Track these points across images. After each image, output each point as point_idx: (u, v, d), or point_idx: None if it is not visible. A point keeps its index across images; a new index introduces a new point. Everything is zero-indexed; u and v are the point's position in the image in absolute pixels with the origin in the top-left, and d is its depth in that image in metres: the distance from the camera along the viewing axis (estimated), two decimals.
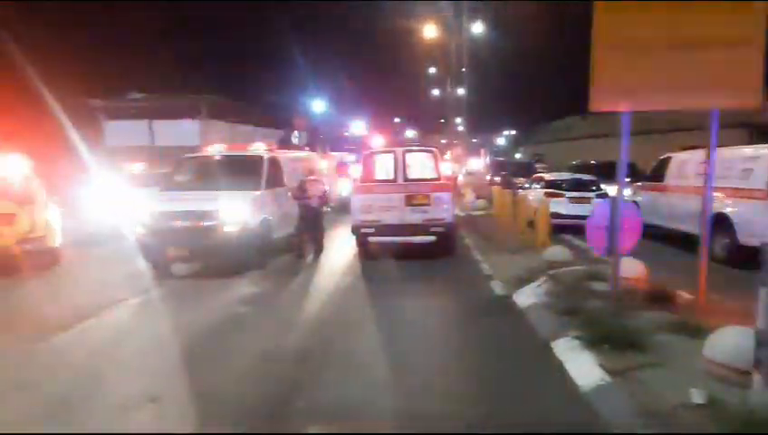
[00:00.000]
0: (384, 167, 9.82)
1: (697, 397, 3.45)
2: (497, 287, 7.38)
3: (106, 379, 4.49)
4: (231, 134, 22.41)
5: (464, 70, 28.02)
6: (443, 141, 35.36)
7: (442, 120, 38.45)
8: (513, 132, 70.40)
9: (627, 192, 14.05)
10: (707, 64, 4.68)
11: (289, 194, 10.02)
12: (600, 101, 4.91)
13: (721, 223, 9.47)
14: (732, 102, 5.03)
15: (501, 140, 69.10)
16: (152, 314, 6.74)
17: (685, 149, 11.46)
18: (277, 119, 27.68)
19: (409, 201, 9.37)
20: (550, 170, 20.70)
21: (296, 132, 18.07)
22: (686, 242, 6.22)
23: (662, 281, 6.13)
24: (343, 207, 14.05)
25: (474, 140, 47.96)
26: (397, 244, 9.48)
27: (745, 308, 3.97)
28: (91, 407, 3.95)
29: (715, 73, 4.69)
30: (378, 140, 10.01)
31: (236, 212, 8.55)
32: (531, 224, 10.74)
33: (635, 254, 6.24)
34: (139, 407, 3.91)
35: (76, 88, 21.28)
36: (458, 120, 32.82)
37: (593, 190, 13.45)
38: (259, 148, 10.47)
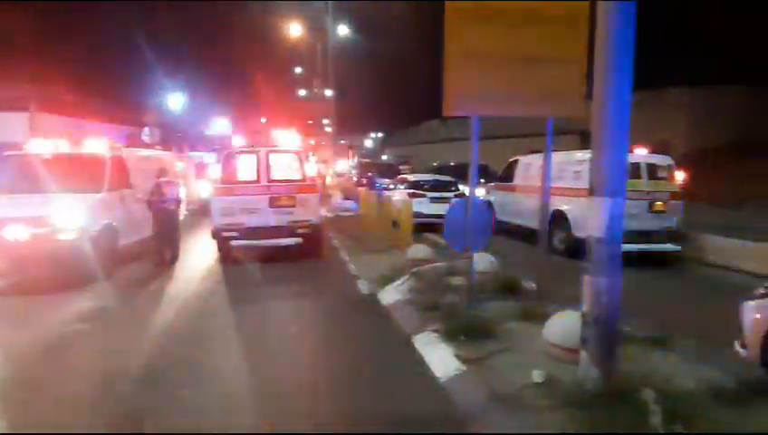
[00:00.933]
0: (247, 168, 9.45)
1: (538, 377, 3.81)
2: (363, 287, 7.51)
3: None
4: (74, 130, 19.99)
5: (329, 70, 28.14)
6: (311, 142, 35.23)
7: (310, 122, 38.27)
8: (381, 134, 72.45)
9: (481, 192, 15.29)
10: (541, 77, 5.22)
11: (140, 196, 9.22)
12: (451, 107, 5.22)
13: (559, 219, 10.68)
14: (561, 112, 5.65)
15: (369, 142, 70.70)
16: None
17: (531, 152, 12.68)
18: (133, 115, 25.36)
19: (274, 203, 9.16)
20: (414, 172, 21.62)
21: (147, 129, 16.61)
22: (532, 237, 6.91)
23: (512, 273, 6.71)
24: (203, 211, 13.30)
25: (342, 142, 48.43)
26: (261, 247, 9.21)
27: (577, 294, 4.47)
28: None
29: (547, 86, 5.24)
30: (241, 140, 9.55)
31: (72, 217, 7.63)
32: (396, 224, 11.10)
33: (489, 249, 6.75)
34: None
35: None
36: (326, 121, 32.91)
37: (452, 190, 14.31)
38: (100, 145, 9.24)
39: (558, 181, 10.32)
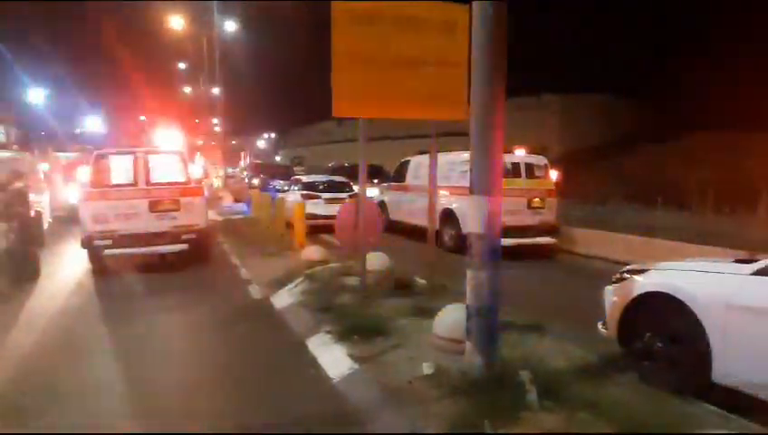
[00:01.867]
0: (122, 170, 8.71)
1: (427, 369, 3.94)
2: (255, 291, 7.28)
3: None
4: None
5: (217, 68, 27.03)
6: (199, 142, 33.58)
7: (197, 121, 36.42)
8: (274, 135, 70.98)
9: (375, 192, 15.54)
10: (425, 81, 5.41)
11: None
12: (340, 108, 5.23)
13: (448, 217, 11.17)
14: (446, 115, 5.88)
15: (261, 143, 68.93)
16: None
17: (421, 153, 13.10)
18: None
19: (155, 207, 8.56)
20: (308, 173, 21.46)
21: (0, 128, 14.60)
22: (425, 235, 7.14)
23: (404, 270, 6.88)
24: (72, 218, 12.10)
25: (233, 142, 46.76)
26: (141, 256, 8.59)
27: (464, 288, 4.70)
28: None
29: (431, 89, 5.44)
30: (117, 139, 8.87)
31: None
32: (290, 225, 10.93)
33: (382, 248, 6.86)
34: None
35: None
36: (215, 120, 31.54)
37: (346, 191, 14.38)
38: None
39: (446, 181, 10.80)
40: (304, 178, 16.07)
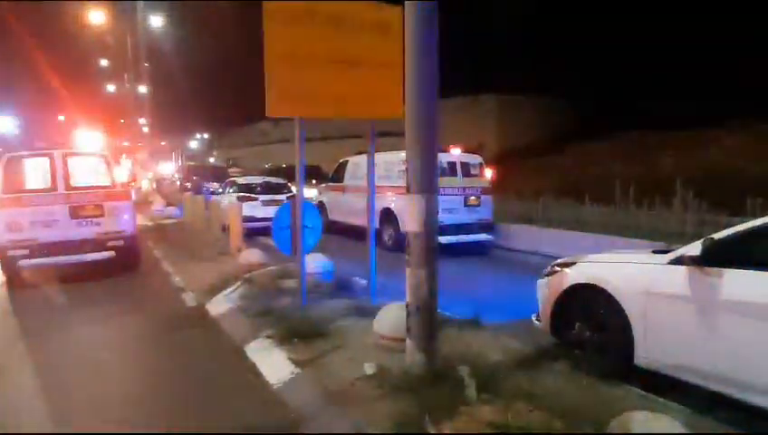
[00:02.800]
0: (38, 174, 8.11)
1: (369, 369, 3.94)
2: (189, 299, 7.01)
3: None
4: None
5: (146, 64, 25.84)
6: (125, 144, 31.99)
7: (122, 121, 34.59)
8: (207, 136, 68.79)
9: (314, 193, 15.41)
10: (360, 80, 5.39)
11: None
12: (275, 108, 5.12)
13: (388, 216, 11.25)
14: (382, 113, 5.87)
15: (194, 144, 66.59)
16: None
17: (359, 153, 13.12)
18: None
19: (77, 213, 8.05)
20: (244, 174, 20.95)
21: None
22: (364, 235, 7.11)
23: (344, 271, 6.85)
24: None
25: (162, 143, 44.87)
26: (63, 266, 8.04)
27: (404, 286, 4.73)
28: None
29: (367, 89, 5.43)
30: (33, 141, 8.23)
31: None
32: (226, 229, 10.61)
33: (322, 249, 6.80)
34: None
35: None
36: (143, 120, 30.09)
37: (284, 193, 14.18)
38: None
39: (385, 180, 10.87)
40: (240, 180, 15.68)
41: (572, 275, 4.38)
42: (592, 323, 4.19)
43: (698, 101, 20.10)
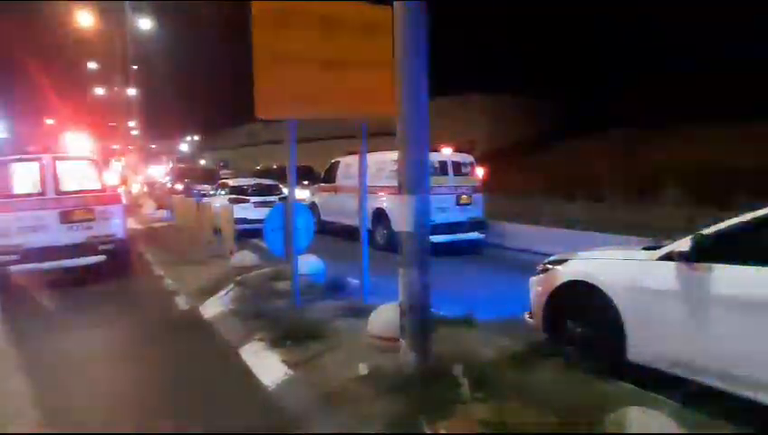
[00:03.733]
0: (26, 178, 8.03)
1: (363, 369, 3.95)
2: (182, 302, 6.98)
3: None
4: None
5: (134, 67, 25.65)
6: (115, 147, 31.75)
7: (113, 124, 34.31)
8: (197, 138, 68.41)
9: (306, 194, 15.37)
10: (352, 80, 5.38)
11: None
12: (264, 109, 5.10)
13: (380, 216, 11.25)
14: (375, 112, 5.83)
15: (184, 146, 66.20)
16: None
17: (350, 153, 13.11)
18: None
19: (67, 218, 7.98)
20: (235, 176, 20.87)
21: None
22: (357, 235, 7.09)
23: (337, 272, 6.84)
24: None
25: (152, 146, 44.60)
26: (54, 271, 7.97)
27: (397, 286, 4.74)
28: None
29: (358, 89, 5.42)
30: (21, 145, 8.14)
31: None
32: (218, 231, 10.57)
33: (314, 250, 6.78)
34: None
35: None
36: (132, 123, 29.86)
37: (276, 194, 14.14)
38: None
39: (377, 180, 10.87)
40: (231, 182, 15.63)
41: (564, 273, 4.41)
42: (584, 319, 4.21)
43: (684, 100, 20.32)
